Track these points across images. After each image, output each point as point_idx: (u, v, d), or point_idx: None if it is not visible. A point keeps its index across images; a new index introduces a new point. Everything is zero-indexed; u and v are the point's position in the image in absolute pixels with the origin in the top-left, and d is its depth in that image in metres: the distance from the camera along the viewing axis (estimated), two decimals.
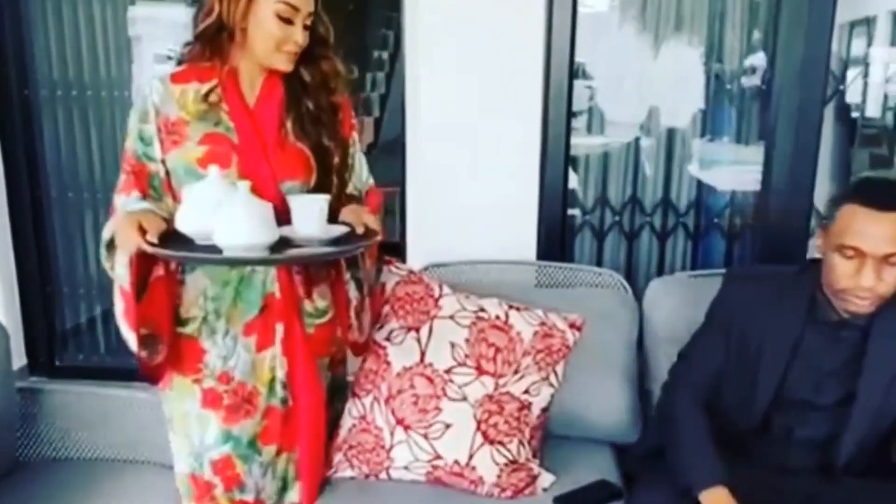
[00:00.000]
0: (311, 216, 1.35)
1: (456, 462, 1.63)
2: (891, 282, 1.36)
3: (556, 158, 2.37)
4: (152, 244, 1.27)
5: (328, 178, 1.48)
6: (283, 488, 1.58)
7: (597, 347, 1.89)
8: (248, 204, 1.28)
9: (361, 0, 5.43)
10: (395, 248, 2.39)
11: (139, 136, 1.43)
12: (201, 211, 1.29)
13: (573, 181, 2.92)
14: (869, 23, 8.59)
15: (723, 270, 2.31)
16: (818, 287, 1.47)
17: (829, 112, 2.70)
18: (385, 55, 5.53)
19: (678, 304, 1.90)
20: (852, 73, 8.24)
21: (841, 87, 2.60)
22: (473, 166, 2.27)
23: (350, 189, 1.56)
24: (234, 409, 1.48)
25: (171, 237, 1.32)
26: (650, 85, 2.97)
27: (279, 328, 1.47)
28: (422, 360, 1.71)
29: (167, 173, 1.43)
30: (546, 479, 1.68)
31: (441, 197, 2.30)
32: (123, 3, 2.65)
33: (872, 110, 7.31)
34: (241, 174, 1.38)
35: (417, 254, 2.29)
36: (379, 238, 1.45)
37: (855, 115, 6.20)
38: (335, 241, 1.37)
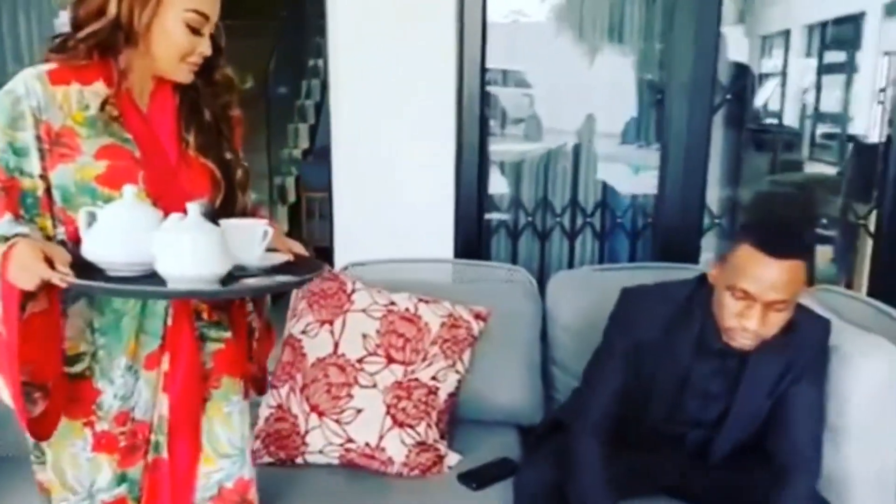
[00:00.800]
0: (252, 243, 1.24)
1: (367, 444, 1.75)
2: (774, 325, 1.41)
3: (471, 163, 2.49)
4: (68, 278, 1.10)
5: (234, 194, 1.35)
6: None
7: (504, 337, 2.04)
8: (200, 229, 1.14)
9: (296, 8, 5.51)
10: (324, 252, 2.50)
11: (10, 146, 1.20)
12: (114, 237, 1.15)
13: (501, 185, 3.08)
14: (787, 35, 9.04)
15: (619, 265, 2.53)
16: (707, 315, 1.50)
17: (719, 119, 2.90)
18: (319, 63, 5.62)
19: (578, 295, 2.07)
20: (771, 84, 8.64)
21: (728, 97, 2.80)
22: (392, 172, 2.38)
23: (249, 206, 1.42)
24: (131, 450, 1.31)
25: (75, 267, 1.14)
26: (586, 93, 3.13)
27: (164, 360, 1.29)
28: (335, 350, 1.83)
29: (47, 191, 1.22)
30: (452, 458, 1.82)
31: (365, 201, 2.40)
32: (50, 11, 2.68)
33: (789, 118, 7.72)
34: (150, 192, 1.24)
35: (345, 257, 2.36)
36: (326, 267, 1.38)
37: (771, 121, 6.56)
38: (276, 270, 1.26)
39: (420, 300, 1.94)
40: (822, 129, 6.95)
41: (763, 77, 8.13)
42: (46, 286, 1.12)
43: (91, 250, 1.15)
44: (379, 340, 1.85)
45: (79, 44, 1.22)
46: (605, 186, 2.77)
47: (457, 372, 1.91)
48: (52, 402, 1.22)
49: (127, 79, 1.26)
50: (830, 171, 5.14)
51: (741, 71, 4.15)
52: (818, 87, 7.97)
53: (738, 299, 1.40)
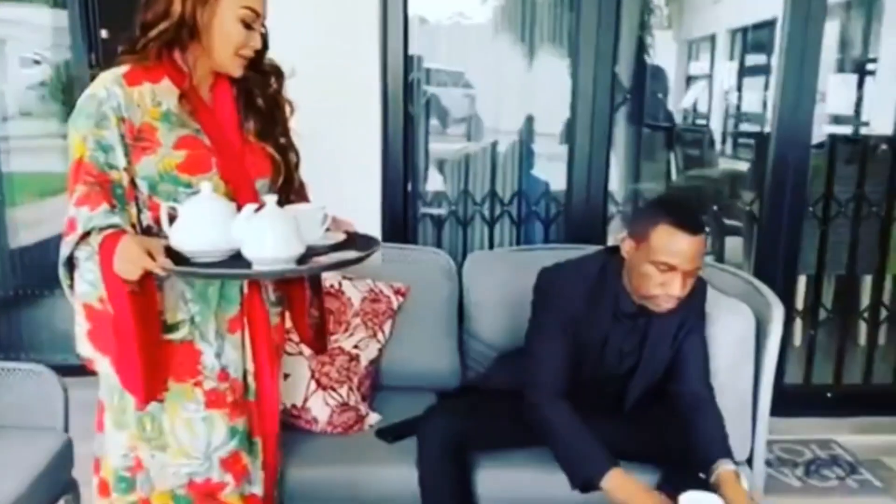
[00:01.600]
0: (315, 225, 1.38)
1: (293, 406, 1.94)
2: (689, 288, 1.63)
3: (396, 158, 2.69)
4: (167, 267, 1.24)
5: (290, 174, 1.50)
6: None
7: (424, 312, 2.25)
8: (278, 217, 1.29)
9: None
10: None
11: (98, 145, 1.32)
12: (196, 228, 1.28)
13: (438, 181, 3.27)
14: (713, 39, 9.45)
15: (532, 246, 2.77)
16: (620, 283, 1.72)
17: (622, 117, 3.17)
18: None
19: (492, 273, 2.29)
20: (698, 85, 8.98)
21: (627, 96, 3.06)
22: (317, 165, 2.52)
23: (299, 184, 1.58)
24: (235, 405, 1.46)
25: (167, 254, 1.27)
26: (526, 94, 3.31)
27: (245, 323, 1.47)
28: None
29: (132, 182, 1.35)
30: (373, 418, 2.02)
31: None
32: None
33: (715, 118, 8.08)
34: (222, 176, 1.37)
35: None
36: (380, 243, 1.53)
37: (700, 121, 6.89)
38: (338, 247, 1.41)
39: (344, 277, 2.14)
40: (744, 127, 7.36)
41: (691, 79, 8.54)
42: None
43: (178, 240, 1.29)
44: None
45: (149, 44, 1.35)
46: (520, 178, 3.00)
47: (378, 341, 2.11)
48: (157, 366, 1.35)
49: (194, 74, 1.39)
50: (743, 166, 5.49)
51: (657, 72, 4.45)
52: (739, 88, 8.42)
53: (662, 271, 1.59)
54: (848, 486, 2.45)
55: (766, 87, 7.53)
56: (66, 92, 3.18)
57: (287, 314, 1.59)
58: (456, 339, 2.29)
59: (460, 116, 3.73)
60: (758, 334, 1.91)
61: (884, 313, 3.14)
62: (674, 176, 4.57)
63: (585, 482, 1.62)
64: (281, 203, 1.39)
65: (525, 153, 3.15)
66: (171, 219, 1.32)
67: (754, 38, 8.43)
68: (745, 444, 1.89)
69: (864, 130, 5.50)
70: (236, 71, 1.41)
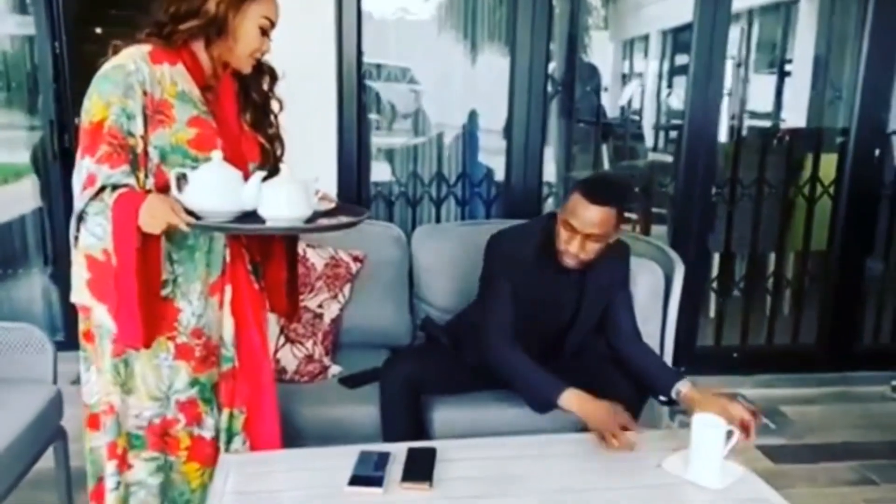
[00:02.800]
0: (310, 194, 1.52)
1: None
2: (590, 252, 1.86)
3: (350, 144, 2.92)
4: (191, 222, 1.41)
5: (276, 162, 1.65)
6: (228, 440, 1.69)
7: (379, 277, 2.52)
8: (293, 182, 1.48)
9: None
10: None
11: (123, 112, 1.45)
12: (210, 190, 1.44)
13: (386, 172, 3.47)
14: (646, 39, 9.91)
15: (475, 221, 3.05)
16: (557, 244, 1.91)
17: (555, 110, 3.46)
18: None
19: (437, 243, 2.58)
20: (633, 83, 9.40)
21: (559, 89, 3.36)
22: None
23: None
24: (203, 360, 1.61)
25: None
26: (470, 90, 3.50)
27: (227, 290, 1.62)
28: None
29: (144, 150, 1.49)
30: (335, 369, 2.28)
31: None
32: None
33: (647, 114, 8.49)
34: (225, 155, 1.51)
35: None
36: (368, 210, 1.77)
37: (633, 117, 7.28)
38: (329, 213, 1.59)
39: (308, 245, 2.39)
40: (672, 123, 7.81)
41: (626, 77, 8.98)
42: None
43: (191, 201, 1.44)
44: None
45: (176, 34, 1.51)
46: (465, 161, 3.29)
47: (338, 302, 2.38)
48: (153, 317, 1.50)
49: (212, 66, 1.57)
50: (669, 158, 5.90)
51: (591, 70, 4.78)
52: (670, 86, 8.90)
53: (567, 231, 1.84)
54: None
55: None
56: (31, 83, 3.26)
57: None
58: (407, 301, 2.58)
59: (406, 112, 3.84)
60: (666, 292, 2.24)
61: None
62: (605, 166, 4.92)
63: (543, 403, 1.86)
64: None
65: (469, 139, 3.41)
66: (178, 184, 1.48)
67: (682, 38, 8.93)
68: None
69: (782, 126, 5.97)
70: (247, 68, 1.59)
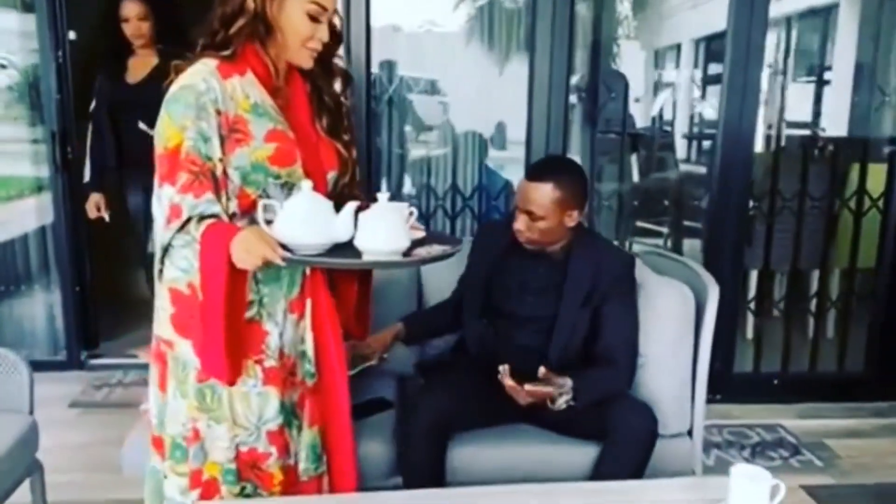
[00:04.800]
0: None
1: None
2: (535, 231, 1.88)
3: (359, 156, 2.76)
4: (287, 256, 1.34)
5: (354, 170, 1.59)
6: (313, 460, 1.62)
7: (385, 297, 2.31)
8: (391, 212, 1.42)
9: None
10: None
11: (199, 135, 1.36)
12: (302, 222, 1.37)
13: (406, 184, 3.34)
14: (678, 49, 9.70)
15: None
16: None
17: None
18: None
19: (445, 264, 2.35)
20: (664, 93, 9.24)
21: (583, 95, 3.18)
22: None
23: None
24: (287, 381, 1.54)
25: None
26: (497, 101, 3.39)
27: (308, 304, 1.55)
28: None
29: (223, 171, 1.40)
30: None
31: None
32: None
33: (680, 124, 8.30)
34: (304, 168, 1.45)
35: None
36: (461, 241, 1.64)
37: (666, 128, 7.09)
38: (419, 242, 1.50)
39: None
40: (706, 132, 7.57)
41: (658, 86, 8.78)
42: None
43: (281, 233, 1.36)
44: None
45: (230, 39, 1.42)
46: (481, 173, 3.11)
47: None
48: (239, 348, 1.42)
49: (276, 67, 1.46)
50: (701, 171, 5.67)
51: (617, 78, 4.58)
52: (703, 96, 8.65)
53: (516, 210, 1.91)
54: (791, 466, 2.57)
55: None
56: (33, 96, 3.19)
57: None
58: None
59: (432, 123, 3.77)
60: (698, 316, 2.02)
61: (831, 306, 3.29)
62: (635, 178, 4.71)
63: None
64: (342, 196, 1.50)
65: (482, 149, 3.26)
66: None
67: (715, 47, 8.69)
68: (684, 416, 1.99)
69: (822, 135, 5.71)
70: (306, 62, 1.47)
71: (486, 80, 3.51)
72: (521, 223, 1.90)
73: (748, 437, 2.77)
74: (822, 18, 6.78)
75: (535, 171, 1.93)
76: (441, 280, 2.36)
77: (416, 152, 3.38)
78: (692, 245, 4.29)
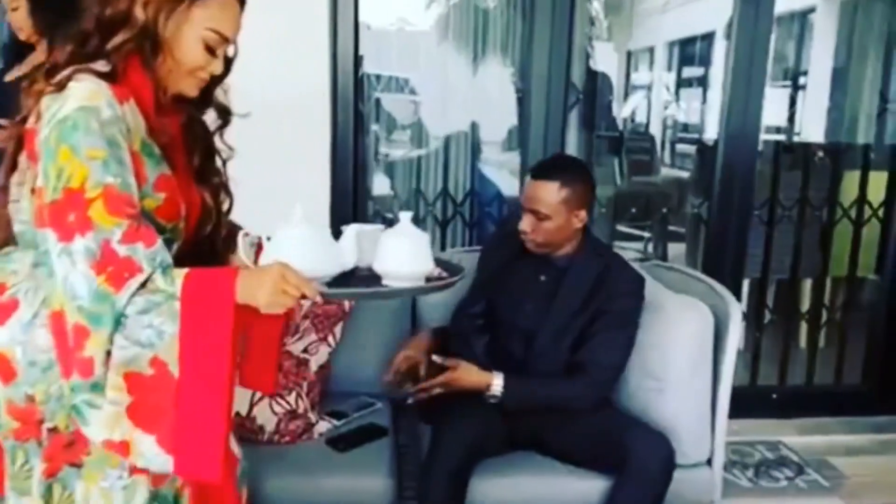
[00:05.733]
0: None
1: (237, 414, 1.81)
2: (540, 232, 1.80)
3: (346, 157, 2.60)
4: (323, 290, 1.18)
5: (220, 220, 1.33)
6: None
7: (376, 315, 2.16)
8: (416, 235, 1.32)
9: None
10: None
11: (121, 167, 1.09)
12: (302, 254, 1.18)
13: (385, 185, 3.19)
14: (652, 51, 9.67)
15: (473, 248, 2.71)
16: None
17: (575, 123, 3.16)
18: None
19: None
20: (637, 95, 9.17)
21: (580, 97, 3.05)
22: (265, 166, 2.41)
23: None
24: None
25: None
26: (470, 101, 3.27)
27: None
28: None
29: None
30: (322, 426, 1.91)
31: (236, 195, 2.45)
32: None
33: (653, 126, 8.25)
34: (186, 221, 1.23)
35: None
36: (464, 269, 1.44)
37: (638, 131, 7.03)
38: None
39: None
40: (678, 138, 7.55)
41: (630, 89, 8.73)
42: None
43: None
44: None
45: (106, 52, 1.14)
46: (473, 179, 2.96)
47: (328, 345, 2.02)
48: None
49: (161, 96, 1.19)
50: (684, 174, 5.63)
51: (599, 78, 4.48)
52: (677, 99, 8.63)
53: (522, 211, 1.83)
54: (797, 487, 2.47)
55: (704, 98, 7.79)
56: None
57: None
58: None
59: (404, 123, 3.64)
60: (715, 335, 1.89)
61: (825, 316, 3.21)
62: (618, 181, 4.62)
63: None
64: (205, 251, 1.27)
65: (474, 151, 3.12)
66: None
67: (691, 50, 8.67)
68: (704, 445, 1.87)
69: (796, 139, 5.69)
70: (191, 91, 1.23)
71: (459, 80, 3.35)
72: (526, 224, 1.82)
73: (750, 455, 2.67)
74: (798, 23, 6.79)
75: (542, 170, 1.85)
76: (436, 297, 2.19)
77: (399, 153, 3.24)
78: (677, 250, 4.22)
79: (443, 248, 2.85)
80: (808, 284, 3.34)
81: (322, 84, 2.48)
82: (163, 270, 1.09)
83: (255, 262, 1.25)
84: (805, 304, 3.28)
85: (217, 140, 1.33)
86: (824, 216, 3.10)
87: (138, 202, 1.10)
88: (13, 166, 1.20)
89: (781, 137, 5.46)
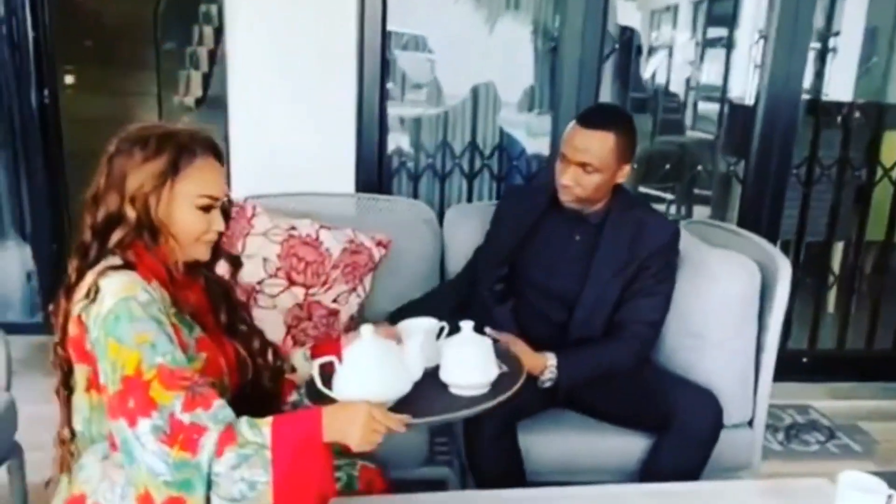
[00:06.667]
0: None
1: None
2: (587, 186, 1.69)
3: (371, 108, 2.49)
4: (408, 421, 1.19)
5: (256, 364, 1.36)
6: None
7: (407, 268, 2.10)
8: (479, 343, 1.32)
9: None
10: None
11: (171, 343, 1.13)
12: (376, 374, 1.21)
13: (404, 142, 3.11)
14: (675, 10, 9.43)
15: None
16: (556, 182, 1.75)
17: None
18: (213, 9, 5.40)
19: (474, 226, 2.13)
20: (659, 55, 9.00)
21: (616, 47, 2.94)
22: (292, 119, 2.37)
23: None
24: None
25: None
26: (486, 61, 3.18)
27: None
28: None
29: None
30: None
31: (263, 149, 2.38)
32: None
33: (675, 89, 8.08)
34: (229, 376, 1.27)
35: None
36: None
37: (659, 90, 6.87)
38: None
39: (322, 226, 1.97)
40: (703, 98, 7.38)
41: (652, 49, 8.51)
42: None
43: (353, 392, 1.19)
44: (279, 264, 1.87)
45: (109, 252, 1.18)
46: (502, 132, 2.87)
47: (358, 296, 1.96)
48: None
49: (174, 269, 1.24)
50: (709, 136, 5.51)
51: (627, 32, 4.34)
52: (701, 60, 8.41)
53: (562, 163, 1.71)
54: (829, 451, 2.43)
55: (729, 58, 7.59)
56: None
57: None
58: None
59: (420, 82, 3.62)
60: (762, 296, 1.82)
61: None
62: (650, 140, 4.51)
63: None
64: (255, 394, 1.31)
65: (497, 107, 3.03)
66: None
67: (716, 10, 8.41)
68: (746, 406, 1.81)
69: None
70: (203, 255, 1.27)
71: (475, 38, 3.28)
72: (569, 177, 1.69)
73: (781, 419, 2.62)
74: None
75: (592, 118, 1.71)
76: (464, 244, 2.13)
77: (432, 111, 3.15)
78: (700, 213, 4.13)
79: (469, 199, 2.78)
80: (839, 247, 3.26)
81: (349, 33, 2.39)
82: (249, 423, 1.10)
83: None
84: (836, 268, 3.20)
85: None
86: (863, 177, 3.00)
87: (190, 372, 1.13)
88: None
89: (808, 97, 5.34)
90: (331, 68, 2.37)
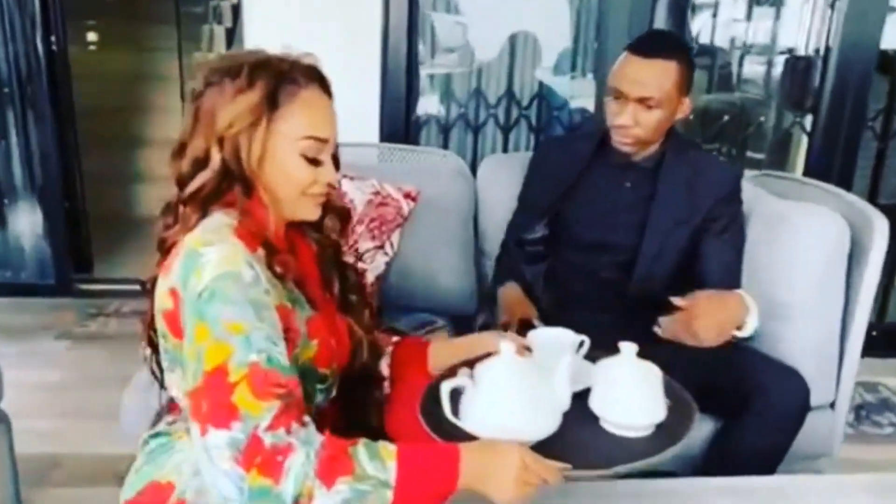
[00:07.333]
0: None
1: None
2: (648, 125, 1.49)
3: (397, 65, 2.32)
4: (569, 476, 0.94)
5: (373, 342, 1.19)
6: None
7: (437, 223, 1.89)
8: (647, 371, 1.04)
9: None
10: None
11: (270, 341, 0.91)
12: (517, 403, 0.98)
13: (433, 99, 2.89)
14: None
15: None
16: (608, 123, 1.57)
17: None
18: None
19: (509, 178, 1.89)
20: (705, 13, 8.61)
21: None
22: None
23: None
24: None
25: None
26: (520, 22, 2.95)
27: None
28: None
29: None
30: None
31: None
32: None
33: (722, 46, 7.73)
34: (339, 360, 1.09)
35: None
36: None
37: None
38: None
39: (344, 176, 1.76)
40: (752, 55, 7.02)
41: (696, 7, 8.13)
42: None
43: (487, 423, 0.97)
44: None
45: (186, 206, 0.98)
46: (541, 84, 2.64)
47: (385, 254, 1.76)
48: None
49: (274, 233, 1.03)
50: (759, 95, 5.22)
51: None
52: (749, 17, 8.01)
53: (615, 99, 1.50)
54: None
55: (777, 15, 7.20)
56: None
57: None
58: (472, 254, 1.93)
59: (451, 46, 3.32)
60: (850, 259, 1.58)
61: None
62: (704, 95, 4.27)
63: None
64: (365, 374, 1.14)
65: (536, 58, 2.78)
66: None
67: None
68: (829, 384, 1.58)
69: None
70: (312, 213, 1.06)
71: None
72: (627, 116, 1.48)
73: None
74: None
75: (651, 45, 1.50)
76: (501, 198, 1.90)
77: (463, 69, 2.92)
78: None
79: (505, 150, 2.57)
80: None
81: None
82: (369, 452, 0.88)
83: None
84: None
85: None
86: None
87: (286, 378, 0.90)
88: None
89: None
90: (356, 17, 2.24)
